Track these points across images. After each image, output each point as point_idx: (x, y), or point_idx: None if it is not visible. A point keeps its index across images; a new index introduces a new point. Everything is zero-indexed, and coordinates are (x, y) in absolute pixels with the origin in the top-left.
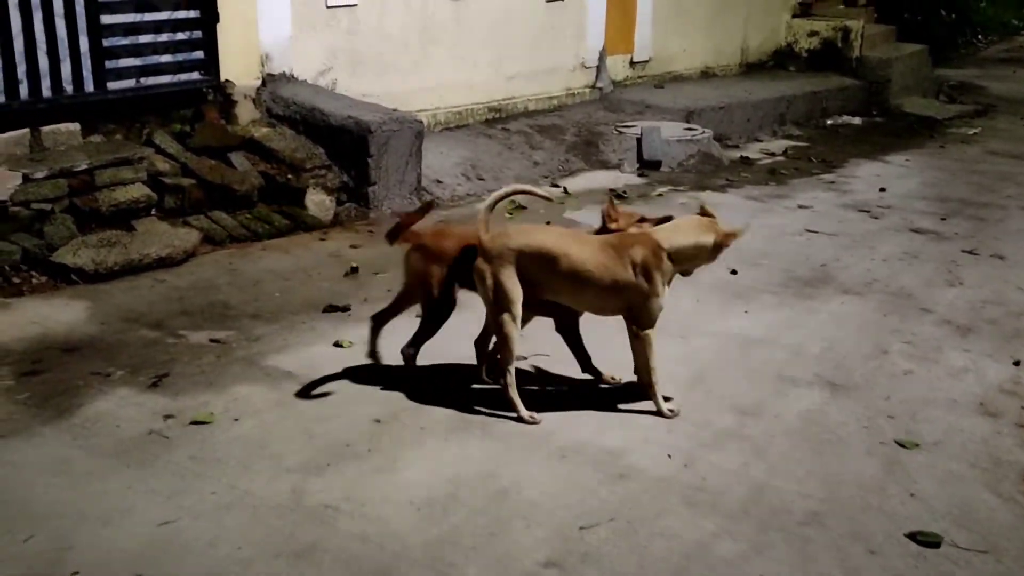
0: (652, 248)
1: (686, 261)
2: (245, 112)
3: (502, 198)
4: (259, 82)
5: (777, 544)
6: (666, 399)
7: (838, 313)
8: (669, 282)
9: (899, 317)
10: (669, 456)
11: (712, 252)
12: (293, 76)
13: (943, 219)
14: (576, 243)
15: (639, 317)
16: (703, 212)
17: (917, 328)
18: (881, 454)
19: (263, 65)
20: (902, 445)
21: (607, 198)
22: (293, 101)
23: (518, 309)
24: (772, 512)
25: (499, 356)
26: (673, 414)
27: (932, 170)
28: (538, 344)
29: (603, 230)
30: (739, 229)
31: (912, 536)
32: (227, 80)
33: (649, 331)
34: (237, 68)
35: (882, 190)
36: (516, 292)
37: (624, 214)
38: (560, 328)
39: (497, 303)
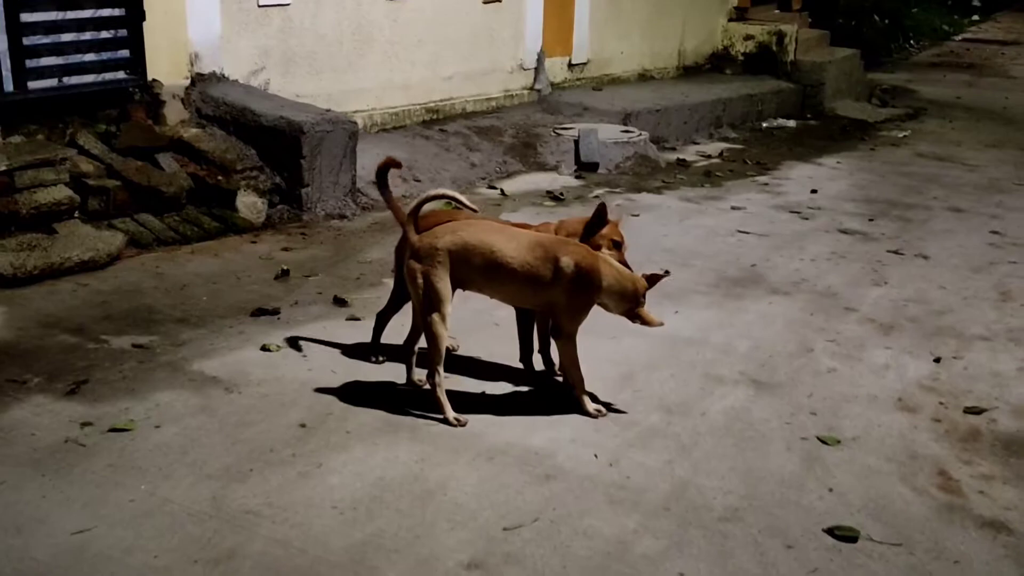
0: (590, 267)
1: (607, 300)
2: (173, 112)
3: (428, 200)
4: (188, 82)
5: (696, 540)
6: (593, 399)
7: (766, 313)
8: (586, 308)
9: (824, 316)
10: (595, 455)
11: (620, 306)
12: (224, 76)
13: (871, 220)
14: (503, 238)
15: (557, 321)
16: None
17: (841, 327)
18: (802, 450)
19: (192, 64)
20: (823, 441)
21: (600, 202)
22: (224, 101)
23: (447, 309)
24: (693, 509)
25: (429, 356)
26: (600, 414)
27: (862, 172)
28: (469, 347)
29: (591, 224)
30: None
31: (829, 531)
32: (154, 79)
33: (571, 335)
34: (165, 67)
35: (813, 192)
36: (446, 292)
37: (613, 226)
38: (519, 310)
39: (427, 303)
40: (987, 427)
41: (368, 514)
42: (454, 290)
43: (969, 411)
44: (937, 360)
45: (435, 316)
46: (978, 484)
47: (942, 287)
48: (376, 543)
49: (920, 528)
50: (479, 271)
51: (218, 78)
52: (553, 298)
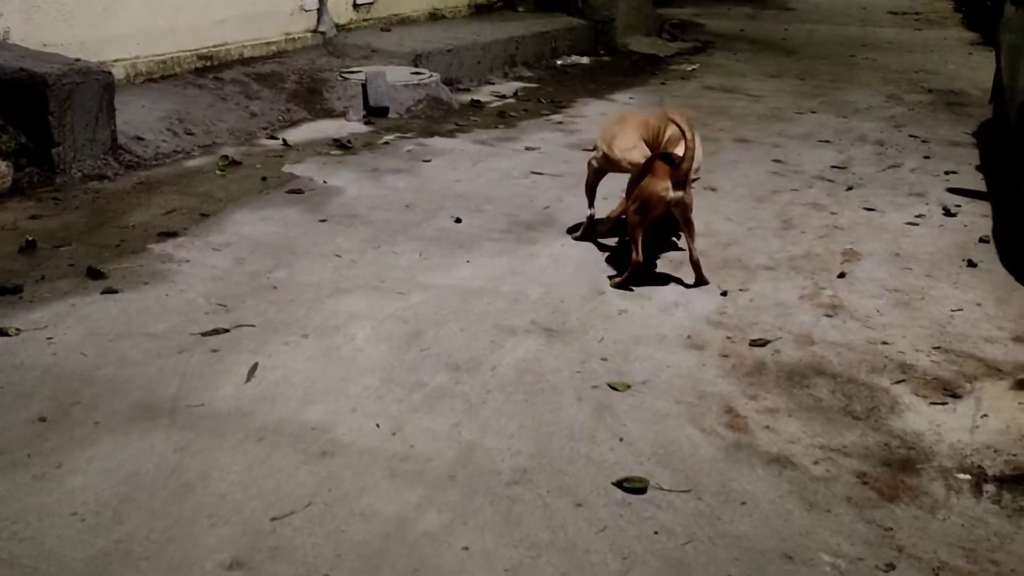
0: None
1: None
2: None
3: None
4: None
5: (483, 509)
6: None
7: (558, 256)
8: None
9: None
10: (377, 425)
11: None
12: None
13: None
14: None
15: None
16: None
17: None
18: (592, 399)
19: None
20: (613, 388)
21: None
22: None
23: None
24: (480, 474)
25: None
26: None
27: (653, 106)
28: (244, 314)
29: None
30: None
31: (619, 484)
32: None
33: None
34: None
35: None
36: None
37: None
38: None
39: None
40: (771, 359)
41: (115, 518)
42: None
43: (755, 344)
44: (724, 294)
45: None
46: (764, 419)
47: (729, 219)
48: (123, 551)
49: (708, 471)
50: None
51: None
52: None
